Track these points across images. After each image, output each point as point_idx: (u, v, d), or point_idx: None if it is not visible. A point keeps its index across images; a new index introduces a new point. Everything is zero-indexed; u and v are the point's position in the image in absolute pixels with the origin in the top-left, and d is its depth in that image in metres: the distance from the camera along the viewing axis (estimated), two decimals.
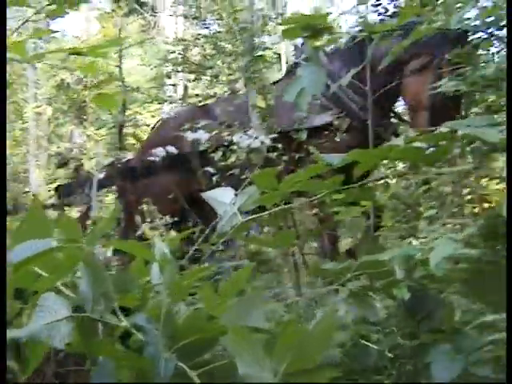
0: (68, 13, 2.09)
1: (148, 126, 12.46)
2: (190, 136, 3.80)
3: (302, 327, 0.91)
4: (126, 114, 12.27)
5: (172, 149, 3.86)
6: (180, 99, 12.22)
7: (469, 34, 3.77)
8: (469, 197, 3.95)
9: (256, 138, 3.37)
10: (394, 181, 5.57)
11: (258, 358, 0.88)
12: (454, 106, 4.00)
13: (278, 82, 5.08)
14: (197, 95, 11.36)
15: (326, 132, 4.47)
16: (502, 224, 1.41)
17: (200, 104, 9.32)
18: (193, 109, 6.62)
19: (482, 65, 2.38)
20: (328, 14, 2.03)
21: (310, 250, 5.52)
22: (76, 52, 1.83)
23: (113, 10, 14.65)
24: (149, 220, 4.04)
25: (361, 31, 2.14)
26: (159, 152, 3.81)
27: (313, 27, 2.13)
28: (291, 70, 4.91)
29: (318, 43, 2.27)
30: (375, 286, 1.77)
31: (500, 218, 1.43)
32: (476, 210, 4.01)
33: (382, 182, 5.13)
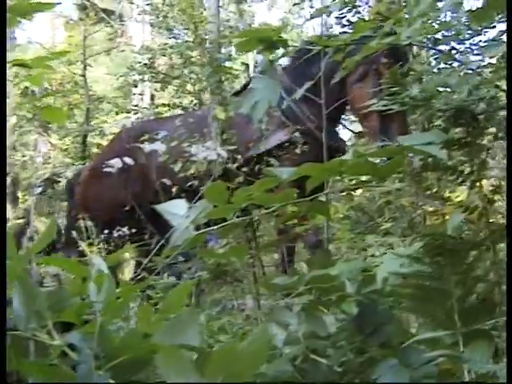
0: (21, 22, 2.07)
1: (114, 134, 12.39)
2: (147, 147, 3.78)
3: (234, 345, 0.90)
4: (93, 123, 12.20)
5: (129, 160, 3.84)
6: (147, 108, 12.18)
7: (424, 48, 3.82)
8: (430, 209, 3.98)
9: (214, 149, 3.36)
10: (359, 192, 5.60)
11: (189, 378, 0.86)
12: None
13: (238, 92, 5.09)
14: (163, 104, 11.35)
15: (287, 143, 4.48)
16: (448, 240, 1.42)
17: (160, 115, 9.28)
18: (150, 121, 6.62)
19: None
20: (283, 27, 2.03)
21: (275, 261, 5.52)
22: (19, 64, 1.80)
23: (80, 19, 14.57)
24: (91, 235, 4.02)
25: (311, 44, 2.15)
26: (116, 163, 3.78)
27: (268, 40, 2.13)
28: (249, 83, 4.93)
29: (279, 54, 2.28)
30: (326, 300, 1.77)
31: (445, 233, 1.43)
32: (437, 222, 4.04)
33: (345, 193, 5.16)
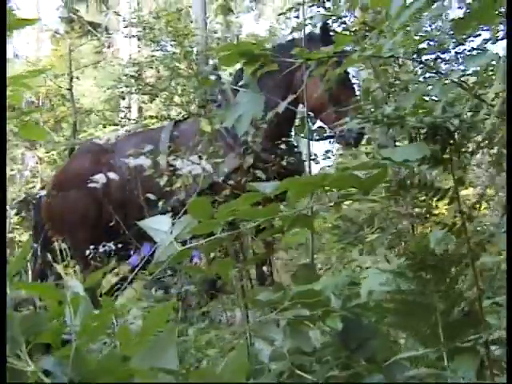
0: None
1: None
2: (132, 162, 3.77)
3: (211, 370, 0.89)
4: (80, 136, 12.17)
5: (113, 175, 3.82)
6: (135, 121, 12.17)
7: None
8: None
9: (198, 164, 3.35)
10: (348, 201, 5.59)
11: None
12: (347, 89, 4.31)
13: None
14: (151, 117, 11.32)
15: (273, 156, 4.46)
16: (430, 255, 1.41)
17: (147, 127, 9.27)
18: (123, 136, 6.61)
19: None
20: (265, 40, 2.02)
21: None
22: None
23: (66, 32, 14.56)
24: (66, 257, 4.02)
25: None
26: (100, 178, 3.76)
27: (250, 53, 2.13)
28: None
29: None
30: (311, 315, 1.76)
31: (428, 249, 1.42)
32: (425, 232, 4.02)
33: (333, 203, 5.14)
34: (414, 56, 3.55)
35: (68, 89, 11.07)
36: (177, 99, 10.50)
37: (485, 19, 2.10)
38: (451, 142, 1.43)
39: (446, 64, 5.47)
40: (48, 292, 1.23)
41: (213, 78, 4.72)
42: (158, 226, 2.06)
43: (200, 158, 3.64)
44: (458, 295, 1.40)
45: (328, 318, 1.68)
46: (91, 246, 4.19)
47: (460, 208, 1.42)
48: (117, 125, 11.83)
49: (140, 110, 13.98)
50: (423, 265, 1.39)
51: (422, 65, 4.19)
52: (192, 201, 1.88)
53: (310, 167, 3.22)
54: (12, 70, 14.64)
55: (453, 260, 1.42)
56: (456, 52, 5.46)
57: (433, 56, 5.24)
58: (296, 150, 4.84)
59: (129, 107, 13.10)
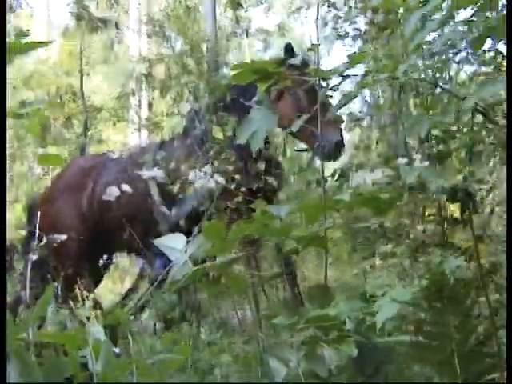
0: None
1: (115, 142, 12.46)
2: (145, 174, 3.76)
3: None
4: (91, 131, 12.19)
5: (126, 187, 3.81)
6: (146, 119, 12.20)
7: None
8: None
9: (211, 176, 3.34)
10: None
11: None
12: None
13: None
14: (162, 114, 11.33)
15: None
16: (446, 284, 1.41)
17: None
18: (101, 155, 6.59)
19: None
20: (277, 61, 2.02)
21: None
22: (15, 116, 1.81)
23: (76, 29, 14.57)
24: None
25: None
26: (114, 192, 3.75)
27: (263, 71, 2.13)
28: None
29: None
30: (326, 337, 1.76)
31: (444, 277, 1.43)
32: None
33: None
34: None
35: (80, 89, 11.09)
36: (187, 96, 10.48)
37: (500, 34, 2.10)
38: (470, 203, 1.44)
39: (456, 64, 5.44)
40: (70, 341, 1.23)
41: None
42: (173, 244, 2.08)
43: (212, 164, 3.63)
44: (474, 325, 1.41)
45: (343, 343, 1.69)
46: (104, 256, 4.19)
47: (480, 267, 1.42)
48: (127, 121, 11.86)
49: (150, 106, 13.99)
50: (439, 295, 1.39)
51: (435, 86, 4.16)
52: (206, 224, 1.90)
53: (323, 174, 3.18)
54: (23, 68, 14.66)
55: (469, 289, 1.43)
56: (467, 52, 5.42)
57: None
58: (280, 166, 4.81)
59: (139, 104, 13.12)
